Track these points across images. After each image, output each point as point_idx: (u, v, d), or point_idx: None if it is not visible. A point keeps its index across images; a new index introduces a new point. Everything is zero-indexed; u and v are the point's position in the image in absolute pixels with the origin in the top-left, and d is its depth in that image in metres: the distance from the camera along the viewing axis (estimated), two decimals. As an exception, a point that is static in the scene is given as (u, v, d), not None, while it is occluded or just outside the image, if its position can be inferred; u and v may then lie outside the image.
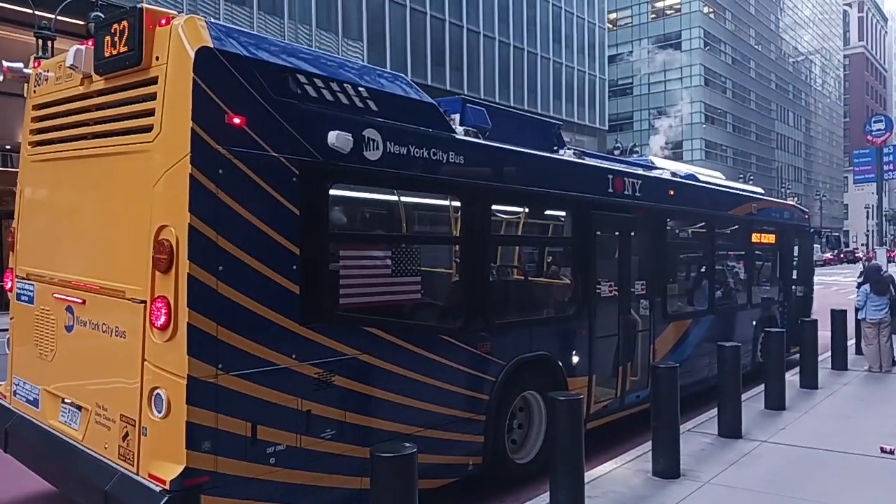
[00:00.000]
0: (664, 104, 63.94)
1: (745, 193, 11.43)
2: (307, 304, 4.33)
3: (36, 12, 18.26)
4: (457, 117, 6.12)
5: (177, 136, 3.89)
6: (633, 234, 7.87)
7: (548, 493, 4.99)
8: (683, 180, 9.36)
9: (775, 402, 8.37)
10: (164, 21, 4.04)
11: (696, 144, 67.98)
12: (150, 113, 4.08)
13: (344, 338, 4.57)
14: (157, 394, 3.89)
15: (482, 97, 35.93)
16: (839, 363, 11.05)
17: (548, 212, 7.43)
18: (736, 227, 10.59)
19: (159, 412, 3.87)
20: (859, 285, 11.38)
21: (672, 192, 8.60)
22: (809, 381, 9.63)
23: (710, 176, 11.35)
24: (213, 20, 4.22)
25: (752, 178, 50.31)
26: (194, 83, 3.87)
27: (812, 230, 14.04)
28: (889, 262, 22.41)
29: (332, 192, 4.63)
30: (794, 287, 12.27)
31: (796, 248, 12.52)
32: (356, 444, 4.59)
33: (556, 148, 7.24)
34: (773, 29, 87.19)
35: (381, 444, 4.02)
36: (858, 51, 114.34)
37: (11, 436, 5.10)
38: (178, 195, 3.84)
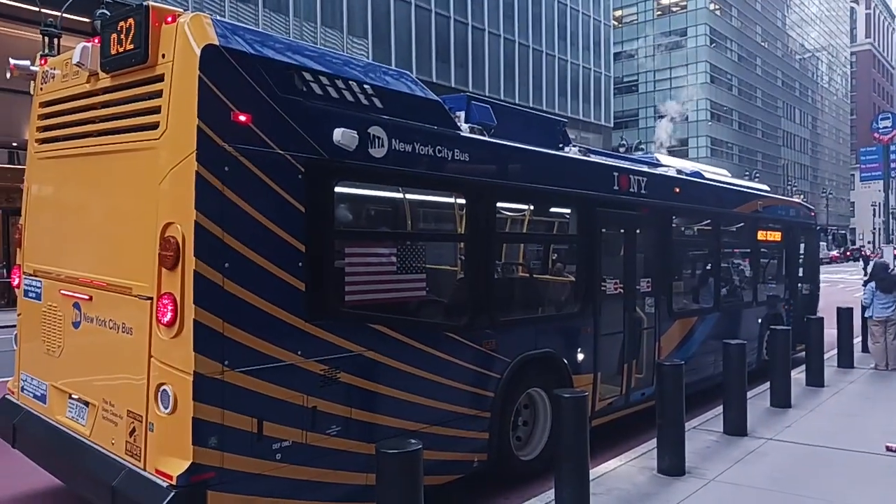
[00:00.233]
0: (670, 101, 63.81)
1: (750, 191, 11.38)
2: (313, 300, 4.34)
3: (42, 10, 18.33)
4: (462, 115, 6.13)
5: (183, 133, 3.91)
6: (638, 231, 7.86)
7: (553, 490, 4.98)
8: (689, 178, 9.34)
9: (781, 399, 8.34)
10: (170, 19, 4.06)
11: (702, 142, 67.85)
12: (157, 110, 4.10)
13: (349, 334, 4.58)
14: (164, 390, 3.91)
15: (487, 94, 35.95)
16: (845, 361, 11.01)
17: (553, 209, 7.42)
18: (741, 224, 10.55)
19: (166, 408, 3.89)
20: (865, 283, 11.34)
21: (677, 190, 8.58)
22: (815, 379, 9.59)
23: (716, 173, 11.33)
24: (218, 18, 4.24)
25: (757, 175, 50.24)
26: (200, 81, 3.88)
27: (818, 228, 13.98)
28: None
29: (337, 189, 4.63)
30: (800, 284, 12.22)
31: (802, 245, 12.44)
32: (362, 440, 4.60)
33: (561, 145, 7.23)
34: (780, 26, 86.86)
35: (387, 440, 4.02)
36: (865, 48, 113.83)
37: (19, 431, 5.14)
38: (185, 192, 3.85)
